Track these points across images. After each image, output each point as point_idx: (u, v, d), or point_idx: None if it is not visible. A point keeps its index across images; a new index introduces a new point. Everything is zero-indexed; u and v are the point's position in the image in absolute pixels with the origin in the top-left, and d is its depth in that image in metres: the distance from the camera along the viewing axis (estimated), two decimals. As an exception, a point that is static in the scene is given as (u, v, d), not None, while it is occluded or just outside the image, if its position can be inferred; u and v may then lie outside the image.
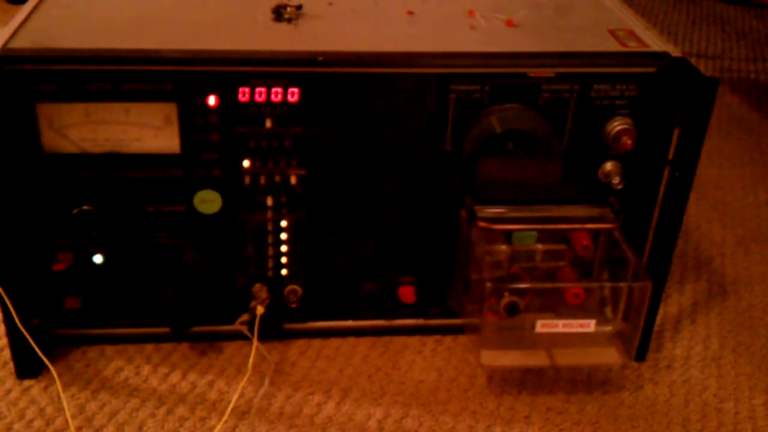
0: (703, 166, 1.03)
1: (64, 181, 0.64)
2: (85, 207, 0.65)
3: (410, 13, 0.72)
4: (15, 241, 0.64)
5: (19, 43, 0.61)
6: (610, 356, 0.68)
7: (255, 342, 0.67)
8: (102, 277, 0.68)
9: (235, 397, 0.66)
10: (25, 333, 0.64)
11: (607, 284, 0.69)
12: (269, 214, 0.67)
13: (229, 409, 0.65)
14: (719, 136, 1.14)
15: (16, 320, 0.63)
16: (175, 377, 0.69)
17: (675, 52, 0.66)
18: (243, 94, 0.62)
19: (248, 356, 0.69)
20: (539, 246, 0.68)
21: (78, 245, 0.66)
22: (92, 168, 0.64)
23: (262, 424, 0.65)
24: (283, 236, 0.69)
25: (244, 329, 0.68)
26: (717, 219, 0.96)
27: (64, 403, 0.65)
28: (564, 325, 0.65)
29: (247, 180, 0.66)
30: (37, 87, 0.60)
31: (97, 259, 0.67)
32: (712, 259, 0.88)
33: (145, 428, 0.64)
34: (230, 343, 0.72)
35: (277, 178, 0.66)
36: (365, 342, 0.74)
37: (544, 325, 0.65)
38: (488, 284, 0.64)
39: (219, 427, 0.64)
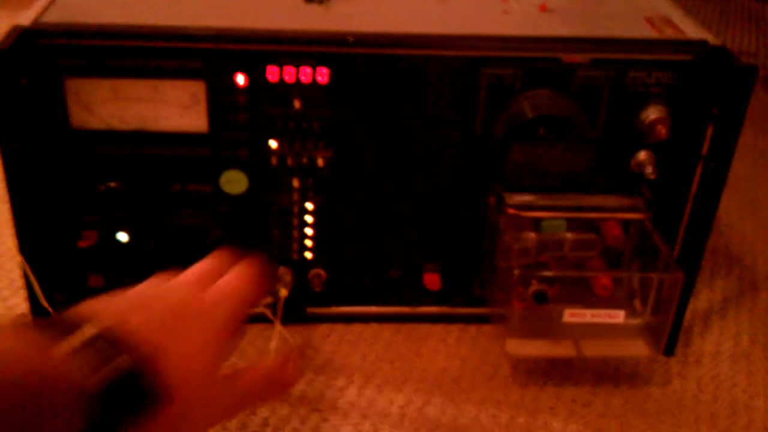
0: (736, 162, 1.01)
1: (91, 158, 0.64)
2: (111, 184, 0.64)
3: (442, -5, 0.71)
4: (41, 216, 0.64)
5: (49, 18, 0.61)
6: (638, 349, 0.66)
7: (278, 325, 0.67)
8: (126, 256, 0.68)
9: (257, 379, 0.66)
10: (49, 309, 0.64)
11: (637, 274, 0.68)
12: (295, 196, 0.67)
13: (250, 391, 0.64)
14: (753, 132, 1.11)
15: (40, 296, 0.63)
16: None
17: (713, 40, 0.64)
18: (272, 74, 0.62)
19: (270, 339, 0.68)
20: (569, 235, 0.67)
21: (103, 223, 0.66)
22: (119, 145, 0.63)
23: (283, 407, 0.64)
24: (309, 219, 0.68)
25: (267, 312, 0.67)
26: (749, 215, 0.94)
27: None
28: (592, 315, 0.64)
29: (274, 161, 0.65)
30: (66, 62, 0.60)
31: (122, 237, 0.67)
32: (743, 255, 0.87)
33: (166, 408, 0.64)
34: (252, 326, 0.72)
35: (304, 160, 0.65)
36: (389, 328, 0.73)
37: (572, 315, 0.64)
38: (516, 272, 0.63)
39: (240, 408, 0.63)
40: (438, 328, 0.73)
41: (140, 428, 0.38)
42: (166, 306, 0.45)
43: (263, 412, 0.64)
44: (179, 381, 0.40)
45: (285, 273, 0.69)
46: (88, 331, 0.38)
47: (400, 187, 0.67)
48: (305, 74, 0.62)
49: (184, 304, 0.46)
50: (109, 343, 0.38)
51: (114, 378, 0.37)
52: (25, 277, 0.63)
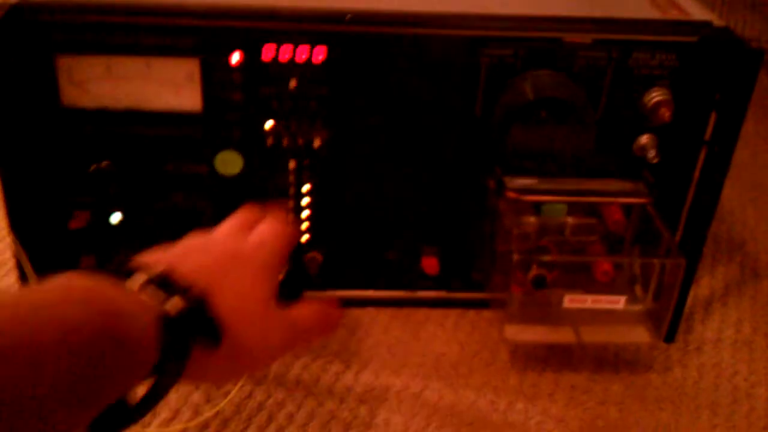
0: (739, 148, 1.00)
1: (83, 137, 0.62)
2: (103, 164, 0.63)
3: (443, -26, 0.69)
4: (32, 196, 0.63)
5: (39, -7, 0.60)
6: (638, 335, 0.65)
7: (273, 308, 0.66)
8: (119, 237, 0.67)
9: (252, 363, 0.65)
10: (39, 291, 0.63)
11: (639, 260, 0.67)
12: (291, 177, 0.66)
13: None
14: (756, 118, 1.10)
15: (32, 277, 0.62)
16: (190, 342, 0.67)
17: (718, 21, 0.63)
18: (268, 53, 0.60)
19: (266, 323, 0.67)
20: (569, 219, 0.66)
21: (95, 203, 0.65)
22: (111, 124, 0.62)
23: (279, 391, 0.63)
24: (305, 201, 0.67)
25: (263, 295, 0.66)
26: (751, 202, 0.93)
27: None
28: (593, 301, 0.63)
29: (269, 141, 0.64)
30: (57, 39, 0.59)
31: (115, 218, 0.66)
32: (745, 242, 0.86)
33: (158, 391, 0.63)
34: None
35: (300, 141, 0.64)
36: (386, 313, 0.72)
37: (572, 300, 0.63)
38: (515, 256, 0.62)
39: (234, 391, 0.62)
40: (436, 313, 0.72)
41: (205, 359, 0.41)
42: (212, 254, 0.47)
43: (259, 396, 0.63)
44: (234, 318, 0.43)
45: (280, 256, 0.68)
46: (143, 276, 0.40)
47: (398, 169, 0.66)
48: (302, 53, 0.60)
49: (228, 251, 0.48)
50: (166, 283, 0.41)
51: (186, 307, 0.40)
52: (17, 257, 0.62)
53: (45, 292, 0.35)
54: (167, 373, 0.39)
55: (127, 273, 0.40)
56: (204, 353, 0.41)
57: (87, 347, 0.34)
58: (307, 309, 0.50)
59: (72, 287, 0.36)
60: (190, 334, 0.41)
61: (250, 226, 0.52)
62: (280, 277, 0.66)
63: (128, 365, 0.36)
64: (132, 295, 0.39)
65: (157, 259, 0.44)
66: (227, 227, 0.52)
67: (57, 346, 0.32)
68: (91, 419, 0.35)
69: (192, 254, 0.46)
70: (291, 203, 0.67)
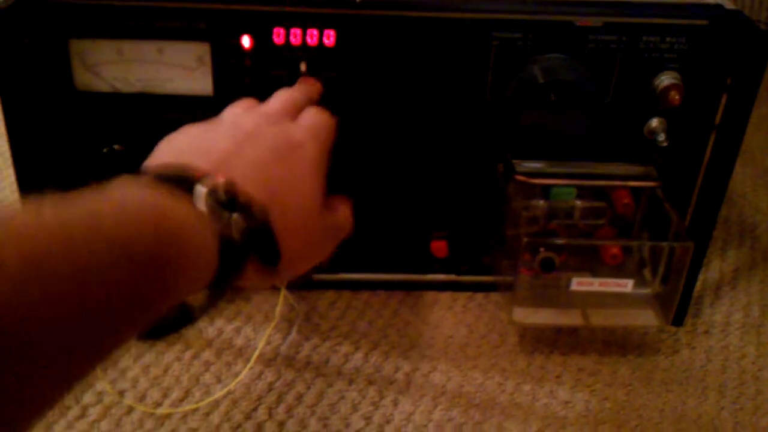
0: (751, 133, 0.99)
1: (95, 120, 0.63)
2: (115, 146, 0.64)
3: (453, -43, 0.69)
4: (45, 179, 0.63)
5: (52, -23, 0.60)
6: (646, 318, 0.66)
7: (283, 290, 0.66)
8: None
9: (262, 343, 0.66)
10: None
11: (648, 243, 0.67)
12: (302, 160, 0.66)
13: (255, 355, 0.64)
14: (768, 102, 1.10)
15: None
16: (201, 322, 0.68)
17: (729, 4, 0.63)
18: (278, 36, 0.61)
19: (276, 305, 0.68)
20: (578, 203, 0.66)
21: (108, 186, 0.66)
22: (124, 107, 0.63)
23: (289, 372, 0.64)
24: (315, 184, 0.67)
25: (273, 277, 0.67)
26: (763, 186, 0.93)
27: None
28: (600, 284, 0.63)
29: (280, 125, 0.64)
30: (70, 23, 0.59)
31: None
32: (756, 226, 0.86)
33: (170, 371, 0.64)
34: (259, 292, 0.71)
35: (311, 124, 0.64)
36: (396, 296, 0.73)
37: (580, 283, 0.63)
38: (524, 239, 0.62)
39: (245, 372, 0.63)
40: (445, 296, 0.73)
41: (257, 269, 0.42)
42: (264, 147, 0.46)
43: (269, 376, 0.64)
44: (290, 233, 0.43)
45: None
46: (203, 189, 0.39)
47: (408, 153, 0.66)
48: (312, 36, 0.61)
49: (281, 143, 0.47)
50: (227, 199, 0.40)
51: (247, 227, 0.40)
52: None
53: (98, 203, 0.34)
54: (223, 285, 0.39)
55: (186, 183, 0.39)
56: (258, 265, 0.42)
57: (140, 264, 0.33)
58: (340, 203, 0.52)
59: (126, 200, 0.36)
60: (249, 253, 0.41)
61: (294, 111, 0.51)
62: None
63: (183, 281, 0.36)
64: (191, 209, 0.38)
65: (215, 161, 0.43)
66: (271, 110, 0.51)
67: (110, 262, 0.32)
68: (145, 327, 0.35)
69: (245, 148, 0.45)
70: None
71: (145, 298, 0.34)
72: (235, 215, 0.39)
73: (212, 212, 0.39)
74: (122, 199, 0.36)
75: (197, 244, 0.37)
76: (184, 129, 0.48)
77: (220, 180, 0.40)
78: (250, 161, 0.44)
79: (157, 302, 0.35)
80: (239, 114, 0.51)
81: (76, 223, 0.32)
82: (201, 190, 0.39)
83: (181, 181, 0.39)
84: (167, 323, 0.38)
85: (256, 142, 0.46)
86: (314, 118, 0.52)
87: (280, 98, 0.54)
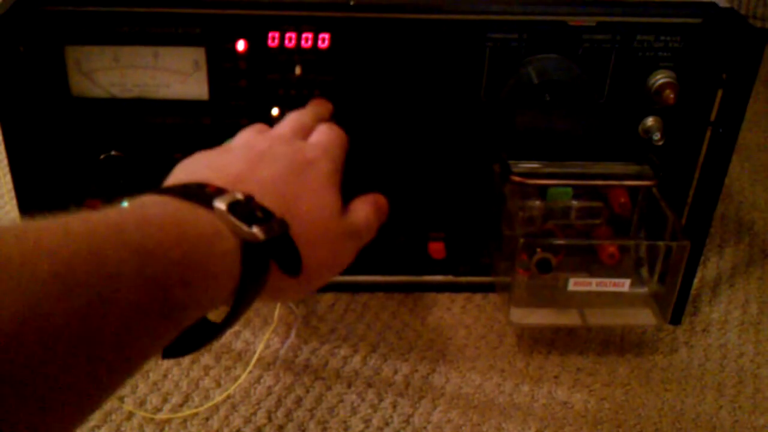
0: (747, 130, 1.00)
1: (92, 126, 0.63)
2: (112, 152, 0.64)
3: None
4: (42, 186, 0.63)
5: (48, -16, 0.60)
6: (644, 317, 0.66)
7: (282, 294, 0.66)
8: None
9: (261, 347, 0.66)
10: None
11: (644, 242, 0.67)
12: (298, 164, 0.66)
13: (254, 359, 0.64)
14: (764, 99, 1.10)
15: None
16: (201, 327, 0.68)
17: (722, 2, 0.63)
18: (272, 39, 0.61)
19: (275, 308, 0.68)
20: (575, 203, 0.66)
21: (106, 191, 0.66)
22: (120, 113, 0.63)
23: (288, 375, 0.64)
24: (312, 187, 0.67)
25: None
26: (760, 183, 0.93)
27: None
28: (597, 284, 0.63)
29: (276, 129, 0.64)
30: (67, 29, 0.59)
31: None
32: (753, 222, 0.86)
33: (169, 376, 0.64)
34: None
35: (307, 128, 0.64)
36: (394, 298, 0.73)
37: (577, 283, 0.64)
38: (521, 240, 0.62)
39: (244, 376, 0.63)
40: (443, 297, 0.73)
41: (279, 281, 0.42)
42: (278, 166, 0.47)
43: (268, 380, 0.64)
44: (309, 244, 0.44)
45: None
46: (223, 204, 0.39)
47: (404, 154, 0.66)
48: (306, 40, 0.61)
49: (295, 161, 0.48)
50: (246, 212, 0.40)
51: (266, 238, 0.40)
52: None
53: (122, 215, 0.35)
54: (244, 299, 0.39)
55: (206, 199, 0.39)
56: (280, 277, 0.42)
57: (165, 275, 0.33)
58: (361, 207, 0.51)
59: (149, 214, 0.36)
60: (270, 261, 0.41)
61: (304, 131, 0.52)
62: None
63: (206, 293, 0.36)
64: (212, 222, 0.38)
65: (231, 179, 0.43)
66: (284, 128, 0.52)
67: (137, 271, 0.32)
68: (168, 342, 0.35)
69: (259, 167, 0.46)
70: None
71: (170, 308, 0.34)
72: (254, 228, 0.40)
73: (232, 225, 0.39)
74: (144, 213, 0.36)
75: (219, 255, 0.37)
76: (197, 154, 0.49)
77: (239, 194, 0.41)
78: (265, 179, 0.45)
79: (181, 312, 0.35)
80: (251, 137, 0.51)
81: (102, 234, 0.32)
82: (221, 204, 0.39)
83: (201, 196, 0.40)
84: (190, 339, 0.38)
85: (270, 161, 0.47)
86: (325, 135, 0.52)
87: (291, 120, 0.54)
